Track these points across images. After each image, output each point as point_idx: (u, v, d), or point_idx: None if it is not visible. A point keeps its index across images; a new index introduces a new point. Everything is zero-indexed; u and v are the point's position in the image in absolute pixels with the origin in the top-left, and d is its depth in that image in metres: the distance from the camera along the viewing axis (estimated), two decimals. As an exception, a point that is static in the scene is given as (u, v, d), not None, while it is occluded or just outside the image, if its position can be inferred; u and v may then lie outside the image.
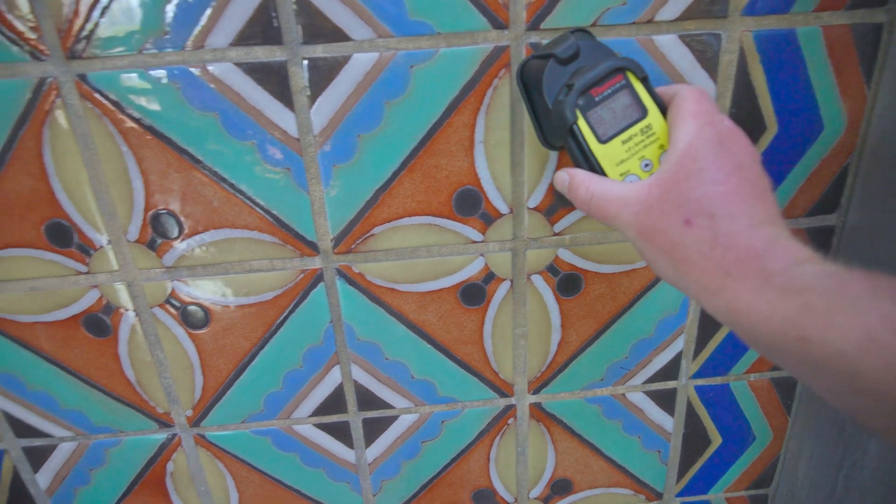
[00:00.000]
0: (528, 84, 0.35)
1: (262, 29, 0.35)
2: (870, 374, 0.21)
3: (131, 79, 0.36)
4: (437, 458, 0.51)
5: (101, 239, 0.40)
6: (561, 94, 0.32)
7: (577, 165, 0.33)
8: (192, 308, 0.43)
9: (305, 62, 0.36)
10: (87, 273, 0.42)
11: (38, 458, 0.48)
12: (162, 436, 0.48)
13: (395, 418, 0.49)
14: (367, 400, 0.48)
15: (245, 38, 0.36)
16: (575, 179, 0.32)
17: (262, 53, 0.36)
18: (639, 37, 0.37)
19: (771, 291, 0.25)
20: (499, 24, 0.36)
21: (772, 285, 0.25)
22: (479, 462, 0.52)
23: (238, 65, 0.36)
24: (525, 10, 0.36)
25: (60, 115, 0.37)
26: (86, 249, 0.41)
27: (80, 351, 0.44)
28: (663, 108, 0.32)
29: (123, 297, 0.42)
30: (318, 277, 0.43)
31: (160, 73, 0.36)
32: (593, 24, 0.37)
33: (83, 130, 0.37)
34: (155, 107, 0.37)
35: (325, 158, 0.39)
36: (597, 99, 0.31)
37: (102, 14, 0.34)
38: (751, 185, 0.28)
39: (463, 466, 0.52)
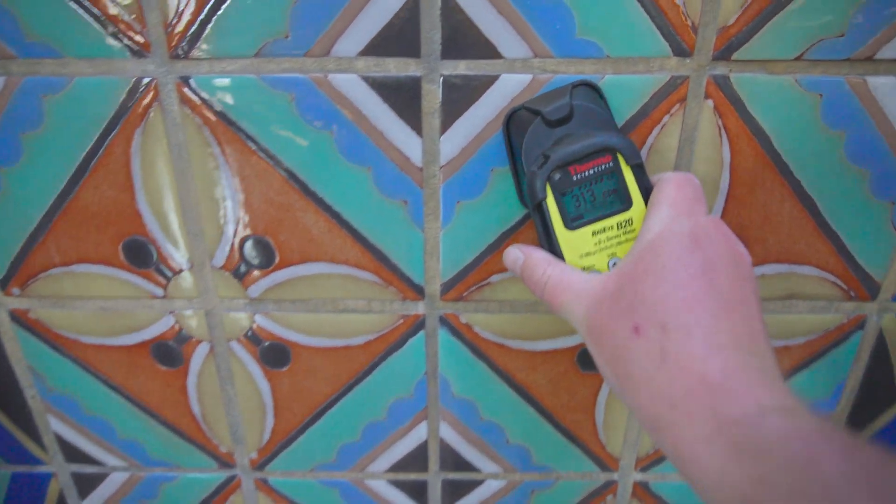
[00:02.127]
0: (514, 136, 0.30)
1: (396, 38, 0.30)
2: None
3: (240, 85, 0.31)
4: (520, 530, 0.45)
5: (184, 262, 0.36)
6: (536, 162, 0.27)
7: (540, 244, 0.29)
8: (272, 345, 0.38)
9: (442, 78, 0.31)
10: (164, 298, 0.37)
11: (87, 484, 0.44)
12: (221, 476, 0.43)
13: (479, 482, 0.43)
14: (452, 460, 0.42)
15: (377, 47, 0.30)
16: (531, 259, 0.28)
17: (394, 66, 0.31)
18: (850, 76, 0.30)
19: (722, 445, 0.19)
20: (681, 51, 0.30)
21: (724, 437, 0.20)
22: (566, 538, 0.46)
23: (365, 77, 0.31)
24: (716, 36, 0.30)
25: (155, 121, 0.32)
26: (165, 272, 0.36)
27: (146, 379, 0.40)
28: None
29: (200, 326, 0.38)
30: (419, 324, 0.37)
31: (274, 80, 0.31)
32: (799, 57, 0.30)
33: (178, 140, 0.33)
34: (263, 118, 0.32)
35: (449, 192, 0.33)
36: (574, 178, 0.27)
37: (217, 9, 0.30)
38: (719, 293, 0.22)
39: (547, 541, 0.46)
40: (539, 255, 0.28)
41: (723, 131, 0.32)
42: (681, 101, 0.31)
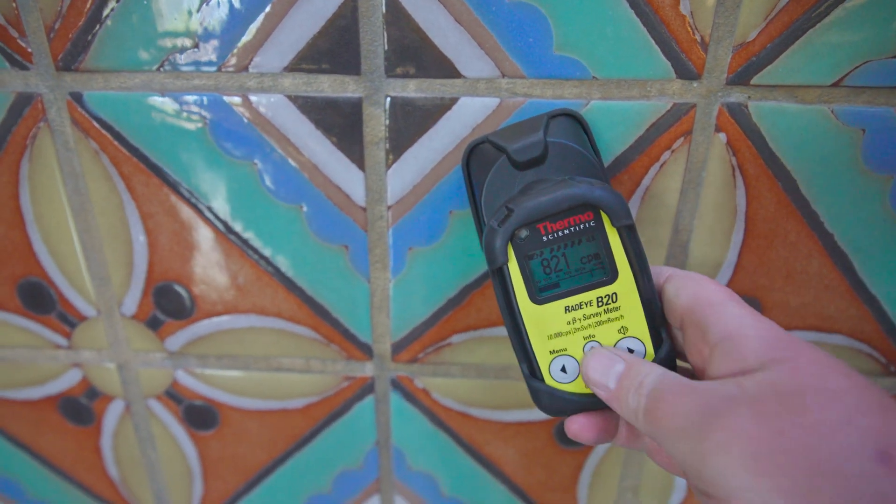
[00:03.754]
0: (475, 175, 0.24)
1: (331, 50, 0.24)
2: None
3: (143, 105, 0.26)
4: None
5: (89, 309, 0.31)
6: (497, 215, 0.21)
7: (502, 317, 0.22)
8: (197, 405, 0.33)
9: (388, 100, 0.25)
10: (68, 348, 0.32)
11: (-2, 546, 0.40)
12: (147, 543, 0.38)
13: (442, 563, 0.38)
14: (410, 538, 0.37)
15: (308, 60, 0.25)
16: (634, 370, 0.20)
17: (328, 85, 0.25)
18: (902, 108, 0.24)
19: None
20: (687, 72, 0.24)
21: None
22: None
23: (293, 98, 0.25)
24: (732, 55, 0.24)
25: (44, 146, 0.27)
26: (68, 319, 0.31)
27: (55, 437, 0.34)
28: (644, 277, 0.21)
29: (112, 381, 0.32)
30: (367, 388, 0.32)
31: (184, 100, 0.25)
32: (838, 83, 0.24)
33: (73, 169, 0.27)
34: (171, 145, 0.26)
35: (399, 237, 0.28)
36: (545, 238, 0.21)
37: (111, 13, 0.24)
38: None
39: None
40: (646, 367, 0.20)
41: (737, 172, 0.26)
42: (685, 134, 0.25)
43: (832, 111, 0.24)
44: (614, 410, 0.20)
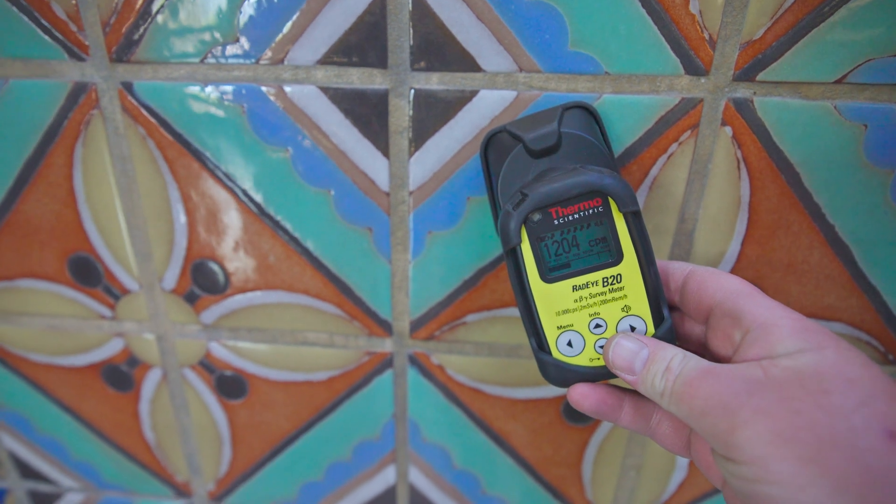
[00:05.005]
0: (493, 162, 0.26)
1: (360, 45, 0.26)
2: None
3: (187, 94, 0.28)
4: (496, 584, 0.42)
5: (132, 283, 0.33)
6: (512, 200, 0.23)
7: (514, 294, 0.25)
8: (228, 375, 0.35)
9: (412, 92, 0.27)
10: (113, 319, 0.34)
11: (42, 503, 0.43)
12: (178, 504, 0.41)
13: (452, 532, 0.40)
14: (423, 507, 0.39)
15: (338, 54, 0.27)
16: (659, 355, 0.21)
17: (357, 77, 0.27)
18: (904, 105, 0.25)
19: None
20: (695, 69, 0.25)
21: None
22: None
23: (324, 89, 0.27)
24: (739, 52, 0.25)
25: (96, 131, 0.29)
26: (113, 292, 0.33)
27: (97, 402, 0.37)
28: (647, 260, 0.23)
29: (151, 351, 0.35)
30: (386, 363, 0.34)
31: (224, 89, 0.28)
32: (841, 80, 0.25)
33: (122, 152, 0.30)
34: (212, 132, 0.28)
35: (420, 221, 0.30)
36: (556, 222, 0.23)
37: (160, 9, 0.26)
38: None
39: None
40: (670, 350, 0.21)
41: (742, 164, 0.27)
42: (692, 127, 0.26)
43: (835, 107, 0.26)
44: (640, 392, 0.22)
